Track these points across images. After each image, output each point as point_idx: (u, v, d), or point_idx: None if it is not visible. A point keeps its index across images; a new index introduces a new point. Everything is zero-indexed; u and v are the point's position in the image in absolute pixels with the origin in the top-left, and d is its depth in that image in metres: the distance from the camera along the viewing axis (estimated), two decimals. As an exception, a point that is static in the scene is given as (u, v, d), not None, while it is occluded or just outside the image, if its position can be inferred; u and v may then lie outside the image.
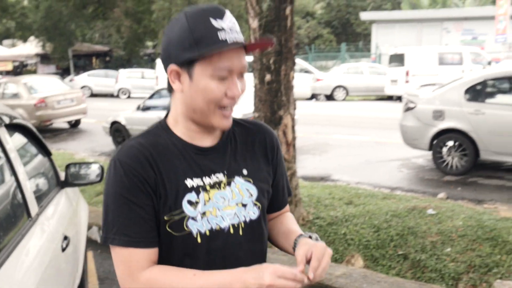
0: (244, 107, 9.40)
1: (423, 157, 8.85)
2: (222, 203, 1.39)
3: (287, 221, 1.59)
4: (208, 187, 1.38)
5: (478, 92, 7.49)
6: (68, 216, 2.92)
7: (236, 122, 1.51)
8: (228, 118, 1.37)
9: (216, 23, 1.29)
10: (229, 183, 1.41)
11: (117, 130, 11.17)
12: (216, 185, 1.39)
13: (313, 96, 20.92)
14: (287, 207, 1.66)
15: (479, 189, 6.98)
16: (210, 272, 1.31)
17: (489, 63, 18.57)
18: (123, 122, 11.00)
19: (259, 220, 1.46)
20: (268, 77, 4.91)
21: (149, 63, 38.99)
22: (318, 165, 8.64)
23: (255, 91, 5.07)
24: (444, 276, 4.09)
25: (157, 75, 21.44)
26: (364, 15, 33.55)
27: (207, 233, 1.37)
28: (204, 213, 1.37)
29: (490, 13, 27.29)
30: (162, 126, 1.44)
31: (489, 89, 7.60)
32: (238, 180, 1.43)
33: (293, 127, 5.12)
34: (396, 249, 4.49)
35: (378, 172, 8.14)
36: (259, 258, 1.47)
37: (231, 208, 1.41)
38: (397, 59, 19.27)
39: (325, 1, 46.23)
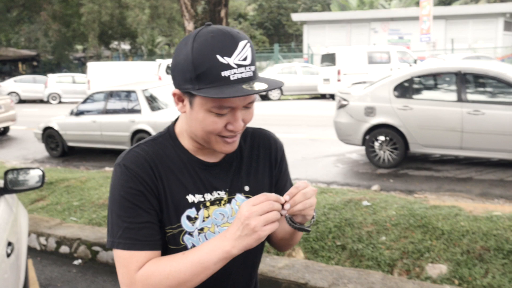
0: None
1: (357, 152, 9.17)
2: (221, 220, 1.40)
3: None
4: (208, 204, 1.38)
5: (406, 89, 7.85)
6: (9, 223, 2.87)
7: (243, 135, 1.49)
8: (232, 144, 1.34)
9: (222, 60, 1.21)
10: (229, 201, 1.41)
11: (50, 136, 10.85)
12: (217, 201, 1.40)
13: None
14: None
15: (409, 180, 7.33)
16: (197, 247, 1.29)
17: (415, 61, 19.40)
18: (56, 127, 10.70)
19: None
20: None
21: (80, 67, 37.98)
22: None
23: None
24: (380, 263, 4.28)
25: (88, 79, 20.98)
26: (295, 16, 34.16)
27: None
28: (201, 229, 1.37)
29: (414, 14, 28.50)
30: (170, 135, 1.42)
31: (415, 86, 7.98)
32: (239, 197, 1.43)
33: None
34: (334, 240, 4.66)
35: (315, 168, 8.35)
36: (250, 269, 1.51)
37: (229, 225, 1.34)
38: (329, 58, 19.79)
39: (257, 3, 46.68)
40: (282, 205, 1.25)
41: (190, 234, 1.36)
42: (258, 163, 1.49)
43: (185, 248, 1.35)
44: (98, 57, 40.16)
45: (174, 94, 1.32)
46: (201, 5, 4.85)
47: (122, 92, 10.23)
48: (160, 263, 1.28)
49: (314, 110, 16.18)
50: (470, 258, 4.14)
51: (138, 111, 9.58)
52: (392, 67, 18.66)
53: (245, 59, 1.24)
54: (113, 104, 10.15)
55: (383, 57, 19.79)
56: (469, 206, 5.36)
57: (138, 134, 9.51)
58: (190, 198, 1.37)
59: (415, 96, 7.84)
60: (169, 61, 21.69)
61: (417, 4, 30.57)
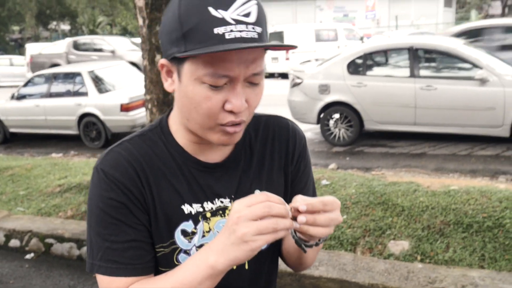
0: (131, 90, 9.13)
1: (312, 130, 9.15)
2: None
3: None
4: (208, 214, 1.11)
5: (359, 66, 7.88)
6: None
7: (253, 124, 1.19)
8: (232, 135, 1.03)
9: (216, 13, 0.93)
10: None
11: (-11, 123, 10.34)
12: (220, 211, 1.12)
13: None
14: None
15: (366, 157, 7.38)
16: (182, 264, 1.04)
17: (361, 38, 19.62)
18: (-5, 113, 10.20)
19: (270, 251, 1.20)
20: (158, 57, 4.75)
21: (17, 49, 36.50)
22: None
23: (145, 73, 4.89)
24: (343, 242, 4.26)
25: (28, 62, 20.25)
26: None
27: None
28: (201, 246, 1.10)
29: (359, -9, 28.79)
30: (161, 129, 1.13)
31: (368, 62, 8.02)
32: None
33: (186, 108, 5.03)
34: (297, 221, 4.61)
35: (270, 148, 8.27)
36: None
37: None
38: (276, 37, 19.70)
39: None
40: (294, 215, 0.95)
41: (187, 252, 1.10)
42: (273, 161, 1.19)
43: None
44: (36, 38, 38.61)
45: (161, 66, 1.06)
46: (151, -20, 4.60)
47: (66, 74, 9.83)
48: (143, 285, 1.04)
49: (265, 90, 16.12)
50: (431, 233, 4.18)
51: (85, 94, 9.22)
52: (340, 45, 18.81)
53: (247, 15, 0.95)
54: (57, 87, 9.73)
55: (330, 34, 19.91)
56: (426, 181, 5.42)
57: (85, 117, 9.16)
58: (186, 208, 1.09)
59: (368, 73, 7.87)
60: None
61: (361, -19, 30.88)
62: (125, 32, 39.90)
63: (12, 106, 10.08)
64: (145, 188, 1.06)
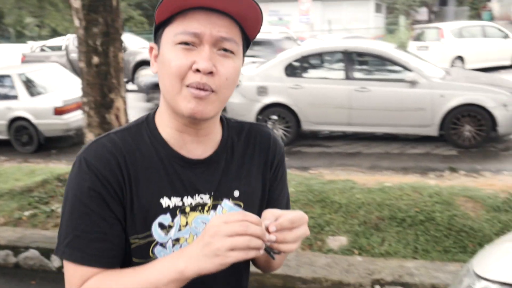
0: (65, 93, 8.88)
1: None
2: (201, 230, 1.13)
3: None
4: (187, 209, 1.13)
5: (296, 68, 8.05)
6: None
7: (237, 127, 1.26)
8: (199, 101, 1.06)
9: None
10: (214, 207, 1.16)
11: None
12: (199, 207, 1.15)
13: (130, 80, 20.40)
14: None
15: (303, 157, 7.53)
16: (152, 261, 1.07)
17: (295, 40, 19.95)
18: None
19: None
20: (96, 59, 4.69)
21: None
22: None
23: (82, 75, 4.81)
24: (284, 240, 4.35)
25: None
26: (176, -3, 33.62)
27: None
28: (177, 240, 1.13)
29: (293, -5, 29.26)
30: (148, 123, 1.17)
31: (305, 65, 8.22)
32: (226, 203, 1.18)
33: (125, 110, 4.98)
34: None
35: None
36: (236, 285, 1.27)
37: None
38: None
39: (134, -17, 45.20)
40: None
41: (163, 245, 1.12)
42: (252, 164, 1.24)
43: None
44: (-41, 40, 36.68)
45: (150, 49, 1.14)
46: (88, -20, 4.52)
47: (-6, 76, 9.39)
48: (105, 280, 1.05)
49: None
50: (367, 228, 4.34)
51: (15, 97, 8.84)
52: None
53: None
54: (-14, 90, 9.28)
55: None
56: (362, 179, 5.62)
57: (16, 122, 8.79)
58: (165, 202, 1.11)
59: (305, 75, 8.06)
60: (43, 43, 20.36)
61: (295, -14, 31.40)
62: (54, 33, 38.62)
63: None
64: (125, 180, 1.09)
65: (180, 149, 1.15)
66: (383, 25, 33.27)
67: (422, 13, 38.68)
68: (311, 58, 8.26)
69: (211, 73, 1.05)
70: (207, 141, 1.18)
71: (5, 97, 8.97)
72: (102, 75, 4.72)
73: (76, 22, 4.67)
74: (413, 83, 7.35)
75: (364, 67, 8.11)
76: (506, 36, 17.54)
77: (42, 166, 7.26)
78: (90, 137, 4.84)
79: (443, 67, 9.42)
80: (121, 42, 4.86)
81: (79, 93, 8.19)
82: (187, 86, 1.05)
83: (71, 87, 9.24)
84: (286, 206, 1.32)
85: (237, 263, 1.04)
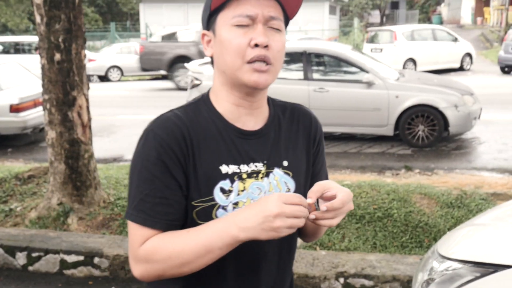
0: (21, 90, 8.67)
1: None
2: (257, 195, 1.27)
3: None
4: (244, 176, 1.26)
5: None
6: None
7: (281, 106, 1.39)
8: (261, 73, 1.22)
9: None
10: (267, 174, 1.29)
11: None
12: (254, 174, 1.28)
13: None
14: None
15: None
16: (205, 224, 1.20)
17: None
18: None
19: None
20: (58, 56, 4.63)
21: None
22: (109, 146, 8.45)
23: (43, 72, 4.74)
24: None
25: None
26: (131, -6, 33.17)
27: None
28: (236, 204, 1.25)
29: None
30: (204, 101, 1.31)
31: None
32: (277, 171, 1.31)
33: (88, 108, 4.93)
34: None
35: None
36: (286, 255, 1.39)
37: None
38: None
39: (88, -21, 44.32)
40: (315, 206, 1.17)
41: (224, 208, 1.24)
42: (297, 138, 1.38)
43: None
44: None
45: (202, 36, 1.30)
46: (49, -23, 4.47)
47: None
48: (163, 240, 1.19)
49: (158, 92, 15.98)
50: (328, 225, 4.46)
51: (-32, 94, 8.60)
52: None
53: None
54: None
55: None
56: (322, 177, 5.75)
57: (-30, 120, 8.54)
58: (224, 168, 1.25)
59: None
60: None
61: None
62: (5, 29, 37.43)
63: None
64: (189, 149, 1.22)
65: (235, 122, 1.29)
66: (338, 27, 33.86)
67: (375, 15, 39.58)
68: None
69: (266, 46, 1.21)
70: (258, 114, 1.32)
71: (-43, 94, 8.70)
72: (65, 72, 4.67)
73: (38, 18, 4.61)
74: (369, 84, 7.57)
75: (323, 68, 8.28)
76: (455, 40, 18.22)
77: (-2, 165, 7.09)
78: (51, 135, 4.78)
79: (397, 69, 9.72)
80: (84, 39, 4.81)
81: (36, 90, 8.11)
82: (248, 62, 1.21)
83: (27, 84, 9.04)
84: (326, 178, 1.45)
85: (285, 242, 1.31)
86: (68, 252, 3.97)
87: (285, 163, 1.33)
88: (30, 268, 4.11)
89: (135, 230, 1.22)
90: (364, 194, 4.85)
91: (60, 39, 4.60)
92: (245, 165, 1.27)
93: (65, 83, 4.69)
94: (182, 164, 1.22)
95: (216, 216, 1.24)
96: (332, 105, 7.70)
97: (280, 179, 1.32)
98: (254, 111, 1.31)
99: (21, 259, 4.10)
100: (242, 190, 1.26)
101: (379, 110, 7.57)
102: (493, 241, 2.38)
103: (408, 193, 4.83)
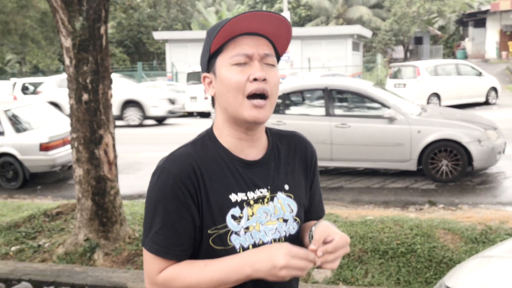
0: (51, 129, 8.94)
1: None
2: (264, 218, 1.40)
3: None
4: (252, 202, 1.39)
5: (278, 105, 8.22)
6: None
7: (278, 134, 1.52)
8: (260, 109, 1.34)
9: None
10: (272, 198, 1.42)
11: None
12: (260, 200, 1.40)
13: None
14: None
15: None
16: (220, 259, 1.33)
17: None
18: None
19: (298, 235, 1.48)
20: (85, 96, 4.81)
21: None
22: (134, 183, 8.57)
23: (72, 111, 4.91)
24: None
25: None
26: (157, 35, 33.97)
27: (250, 247, 1.37)
28: (247, 228, 1.38)
29: (273, 34, 29.72)
30: (209, 136, 1.43)
31: (287, 102, 8.41)
32: (280, 195, 1.44)
33: (114, 145, 5.08)
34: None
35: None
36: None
37: (273, 223, 1.41)
38: (195, 76, 19.94)
39: (116, 21, 45.60)
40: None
41: (237, 233, 1.37)
42: (295, 164, 1.50)
43: (233, 248, 1.36)
44: None
45: (203, 78, 1.42)
46: (79, 21, 4.68)
47: (-20, 112, 9.41)
48: (182, 271, 1.32)
49: (184, 128, 16.21)
50: (351, 260, 4.44)
51: (1, 133, 8.89)
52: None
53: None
54: (-29, 125, 9.28)
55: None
56: (344, 212, 5.75)
57: (2, 157, 8.81)
58: (233, 197, 1.37)
59: (287, 112, 8.25)
60: (25, 80, 20.37)
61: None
62: (36, 70, 38.60)
63: None
64: (199, 182, 1.34)
65: (239, 154, 1.42)
66: (361, 63, 34.00)
67: (398, 51, 39.62)
68: (292, 95, 8.47)
69: (264, 80, 1.34)
70: (259, 145, 1.45)
71: (-9, 133, 9.00)
72: (92, 111, 4.83)
73: (67, 61, 4.81)
74: (391, 120, 7.59)
75: (344, 104, 8.34)
76: (479, 74, 18.11)
77: (28, 202, 7.27)
78: (79, 172, 4.92)
79: (419, 104, 9.71)
80: (110, 80, 4.99)
81: (65, 129, 8.35)
82: (248, 97, 1.34)
83: (57, 124, 9.32)
84: (320, 198, 1.62)
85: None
86: (94, 287, 4.05)
87: (287, 187, 1.46)
88: (57, 302, 4.19)
89: (150, 259, 1.35)
90: (387, 230, 4.83)
91: (88, 80, 4.78)
92: (251, 192, 1.40)
93: (92, 122, 4.85)
94: (194, 197, 1.33)
95: (231, 241, 1.36)
96: (354, 140, 7.73)
97: (284, 202, 1.44)
98: (255, 142, 1.43)
99: (47, 293, 4.18)
100: (251, 215, 1.39)
101: (401, 145, 7.56)
102: (502, 273, 2.36)
103: (432, 228, 4.80)
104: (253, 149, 1.43)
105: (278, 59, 1.43)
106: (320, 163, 8.09)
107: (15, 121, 9.04)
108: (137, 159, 10.69)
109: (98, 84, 4.83)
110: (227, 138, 1.41)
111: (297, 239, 1.47)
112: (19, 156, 8.62)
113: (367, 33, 33.35)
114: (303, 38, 30.99)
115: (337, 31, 31.89)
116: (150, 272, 1.34)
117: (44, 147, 8.51)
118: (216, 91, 1.39)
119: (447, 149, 7.47)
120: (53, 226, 5.71)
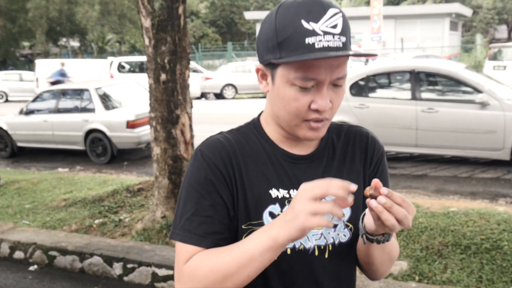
0: (137, 107, 9.26)
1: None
2: None
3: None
4: None
5: (361, 87, 7.97)
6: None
7: (336, 129, 1.34)
8: (317, 130, 1.18)
9: (307, 25, 1.08)
10: None
11: (-2, 136, 10.47)
12: None
13: (203, 95, 20.97)
14: None
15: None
16: (245, 238, 1.16)
17: (367, 60, 19.74)
18: (4, 127, 10.34)
19: (350, 244, 1.28)
20: (163, 76, 4.88)
21: (27, 64, 36.88)
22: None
23: (150, 91, 5.01)
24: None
25: (37, 77, 20.36)
26: (248, 15, 34.23)
27: (288, 251, 1.21)
28: None
29: (365, 13, 29.03)
30: (254, 125, 1.30)
31: (371, 84, 8.13)
32: (329, 197, 1.14)
33: (190, 125, 5.13)
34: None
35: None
36: (346, 284, 1.32)
37: (318, 228, 1.18)
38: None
39: (209, 1, 46.44)
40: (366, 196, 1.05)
41: None
42: (353, 162, 1.31)
43: None
44: (46, 54, 39.06)
45: (257, 70, 1.22)
46: (158, 1, 4.73)
47: (74, 90, 9.98)
48: (207, 255, 1.15)
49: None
50: (430, 254, 4.22)
51: (92, 110, 9.35)
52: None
53: (334, 26, 1.09)
54: (65, 103, 9.87)
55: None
56: (426, 202, 5.47)
57: (91, 133, 9.29)
58: (274, 193, 1.22)
59: (371, 95, 7.97)
60: (121, 59, 21.27)
61: (368, 3, 31.14)
62: (133, 49, 40.27)
63: (21, 121, 10.21)
64: (235, 170, 1.20)
65: (284, 146, 1.26)
66: (459, 43, 32.34)
67: (502, 31, 37.23)
68: (377, 77, 8.17)
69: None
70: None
71: (83, 110, 9.51)
72: (169, 91, 4.90)
73: (146, 41, 4.89)
74: (483, 105, 7.10)
75: (432, 87, 7.93)
76: None
77: (113, 177, 7.59)
78: (156, 151, 5.02)
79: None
80: (188, 60, 5.03)
81: (150, 108, 8.61)
82: (305, 120, 1.16)
83: (143, 103, 9.64)
84: None
85: (343, 271, 1.27)
86: (159, 266, 4.13)
87: None
88: (125, 278, 4.33)
89: (180, 247, 1.19)
90: (471, 223, 4.54)
91: (166, 60, 4.84)
92: (295, 190, 1.22)
93: (169, 102, 4.92)
94: (228, 184, 1.20)
95: None
96: (442, 126, 7.32)
97: None
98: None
99: (117, 269, 4.32)
100: None
101: (494, 132, 7.06)
102: None
103: (522, 224, 4.44)
104: (302, 143, 1.26)
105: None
106: (404, 149, 7.80)
107: (104, 99, 9.46)
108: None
109: (176, 64, 4.88)
110: (273, 131, 1.27)
111: (349, 249, 1.28)
112: (108, 133, 9.02)
113: (467, 11, 31.56)
114: (396, 18, 29.95)
115: (433, 10, 30.49)
116: (178, 264, 1.18)
117: (131, 125, 8.84)
118: (270, 94, 1.20)
119: (547, 138, 6.89)
120: (134, 202, 5.91)
